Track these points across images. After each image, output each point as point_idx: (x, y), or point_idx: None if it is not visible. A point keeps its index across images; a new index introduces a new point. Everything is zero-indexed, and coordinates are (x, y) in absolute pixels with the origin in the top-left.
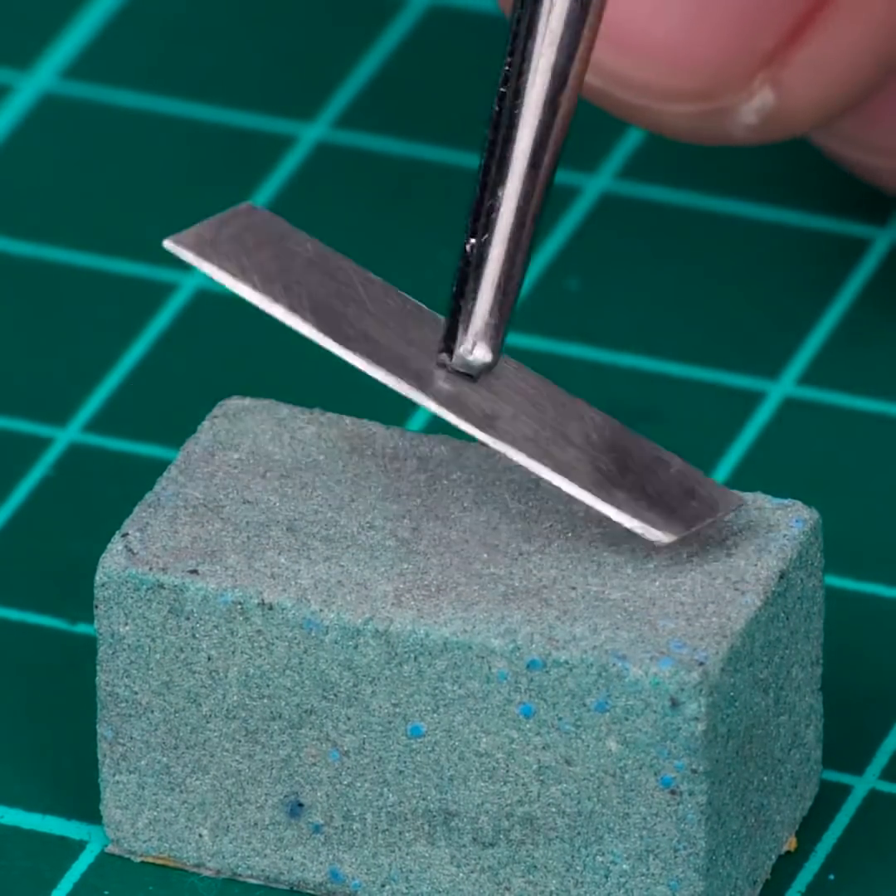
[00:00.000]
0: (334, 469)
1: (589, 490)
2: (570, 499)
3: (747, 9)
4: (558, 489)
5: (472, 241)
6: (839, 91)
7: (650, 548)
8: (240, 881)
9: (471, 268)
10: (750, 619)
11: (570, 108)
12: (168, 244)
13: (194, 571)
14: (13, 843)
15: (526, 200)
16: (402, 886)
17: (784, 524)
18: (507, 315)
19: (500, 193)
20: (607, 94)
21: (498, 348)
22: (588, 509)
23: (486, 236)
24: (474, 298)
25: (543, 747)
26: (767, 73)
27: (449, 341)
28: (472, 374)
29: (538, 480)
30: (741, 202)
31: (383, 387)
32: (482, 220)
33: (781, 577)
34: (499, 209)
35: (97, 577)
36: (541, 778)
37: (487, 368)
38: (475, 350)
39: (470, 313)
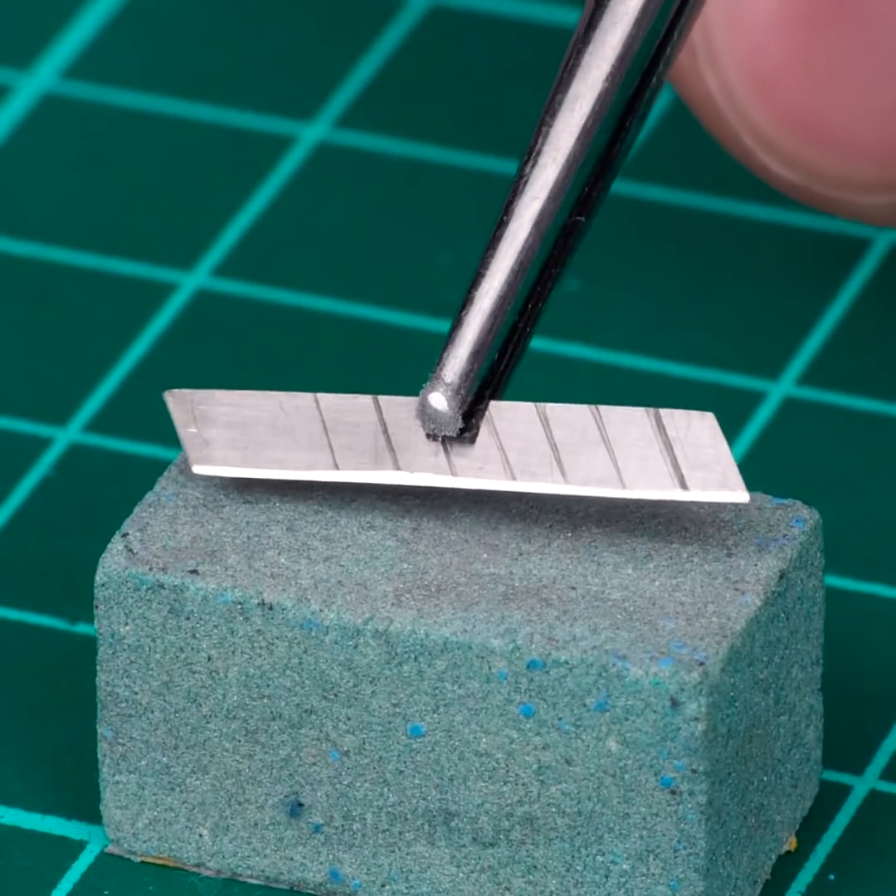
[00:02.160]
0: None
1: (654, 487)
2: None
3: None
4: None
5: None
6: None
7: (670, 540)
8: (240, 881)
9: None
10: (750, 619)
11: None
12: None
13: (194, 571)
14: (13, 843)
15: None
16: (402, 886)
17: (784, 524)
18: (475, 372)
19: (489, 261)
20: (806, 188)
21: (458, 402)
22: (588, 507)
23: (470, 295)
24: (448, 346)
25: (543, 747)
26: None
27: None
28: (441, 433)
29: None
30: (741, 202)
31: (383, 387)
32: (476, 278)
33: (781, 577)
34: (484, 277)
35: (97, 577)
36: (541, 778)
37: (451, 424)
38: (432, 395)
39: (443, 358)
